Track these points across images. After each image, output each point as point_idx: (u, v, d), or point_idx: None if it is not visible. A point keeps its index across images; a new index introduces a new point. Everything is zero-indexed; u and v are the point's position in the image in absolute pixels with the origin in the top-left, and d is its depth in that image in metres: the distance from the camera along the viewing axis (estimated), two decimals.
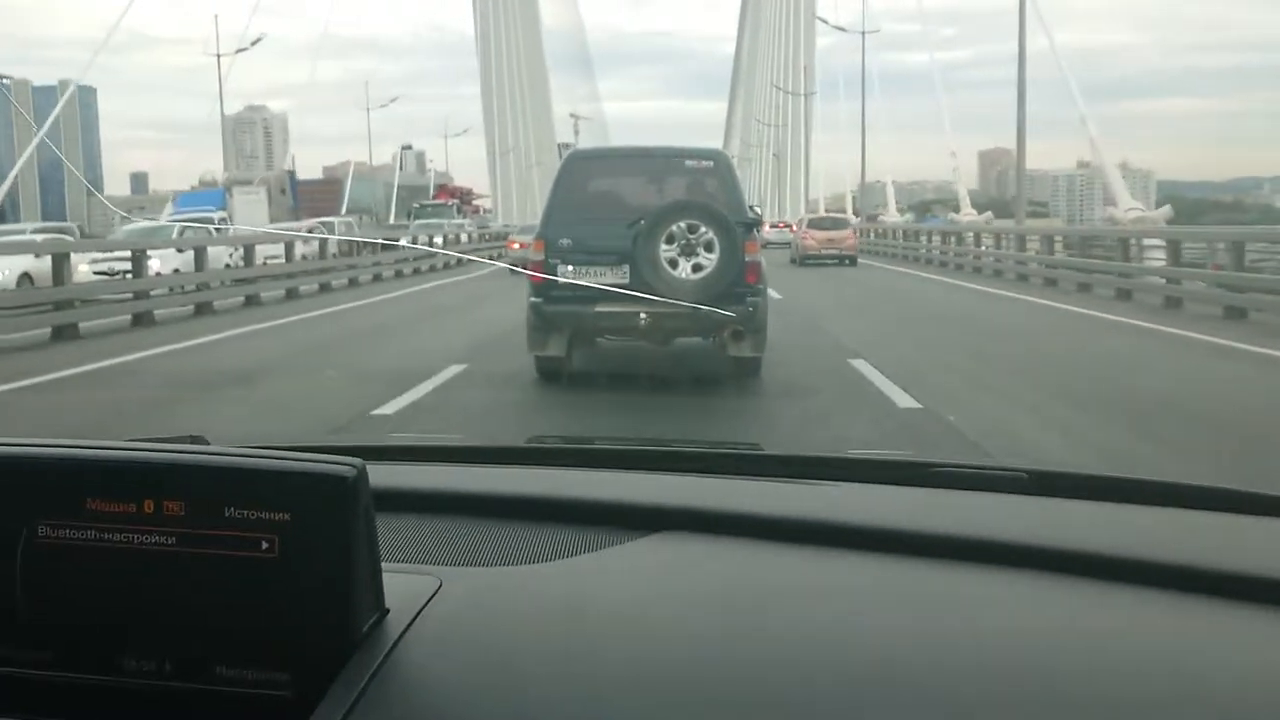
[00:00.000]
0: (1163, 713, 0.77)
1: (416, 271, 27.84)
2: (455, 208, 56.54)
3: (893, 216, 51.57)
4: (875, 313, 16.23)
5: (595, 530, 1.06)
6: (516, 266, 12.58)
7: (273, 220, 36.97)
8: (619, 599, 0.94)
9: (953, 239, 31.63)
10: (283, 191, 44.97)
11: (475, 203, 78.53)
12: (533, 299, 8.52)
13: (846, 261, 31.52)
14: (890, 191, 57.92)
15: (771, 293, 17.29)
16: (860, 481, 1.32)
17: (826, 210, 67.38)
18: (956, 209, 41.39)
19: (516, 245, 26.85)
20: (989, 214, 37.96)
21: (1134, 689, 0.79)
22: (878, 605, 0.93)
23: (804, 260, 31.44)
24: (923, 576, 0.98)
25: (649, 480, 1.32)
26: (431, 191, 72.97)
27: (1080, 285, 19.96)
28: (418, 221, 46.84)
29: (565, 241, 8.45)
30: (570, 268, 8.39)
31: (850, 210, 68.75)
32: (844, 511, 1.13)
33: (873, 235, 42.59)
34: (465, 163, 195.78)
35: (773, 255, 15.53)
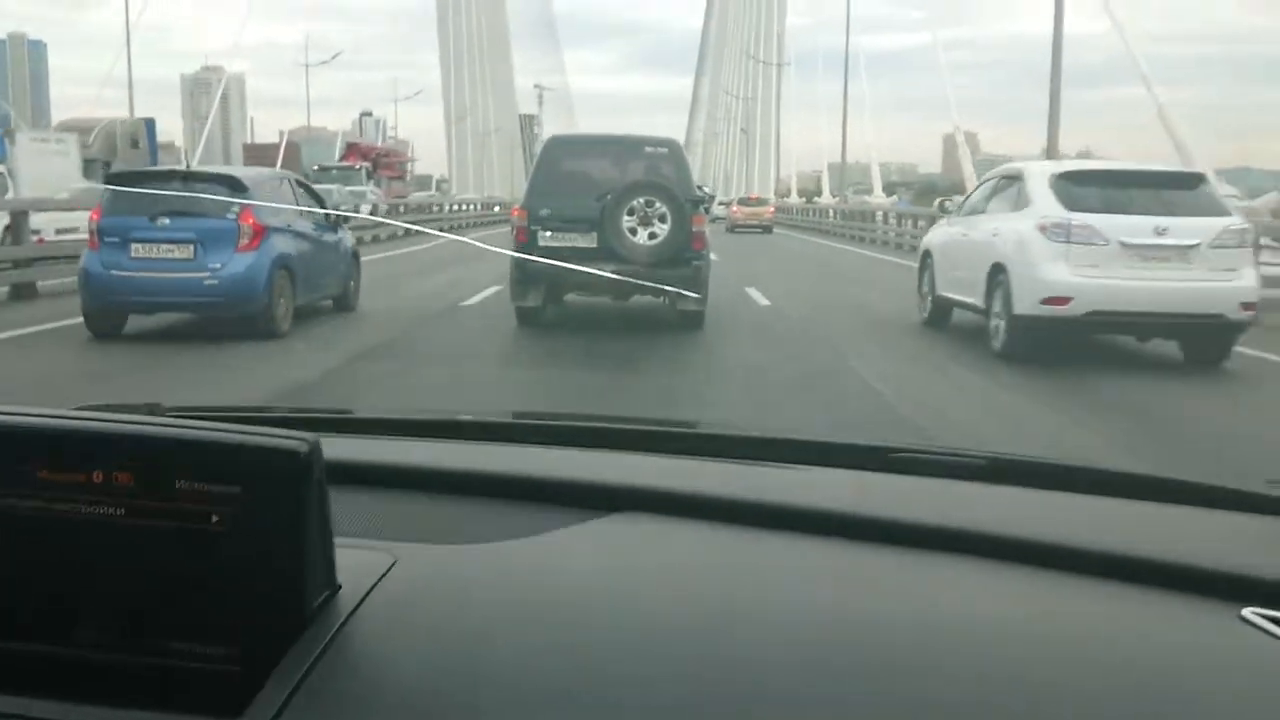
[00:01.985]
0: (1110, 702, 0.78)
1: None
2: (364, 172, 43.31)
3: (879, 198, 47.13)
4: None
5: (554, 510, 1.05)
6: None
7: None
8: (575, 578, 0.93)
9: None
10: (134, 145, 31.90)
11: (400, 168, 60.05)
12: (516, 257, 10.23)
13: (765, 230, 40.34)
14: (876, 172, 53.42)
15: (756, 295, 13.53)
16: (819, 465, 1.31)
17: (798, 190, 73.47)
18: (927, 192, 37.00)
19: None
20: None
21: (1079, 677, 0.79)
22: (834, 588, 0.94)
23: (734, 229, 39.49)
24: (878, 561, 0.99)
25: (609, 459, 1.30)
26: (338, 154, 55.30)
27: None
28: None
29: (544, 211, 10.09)
30: (548, 233, 10.02)
31: (827, 191, 64.64)
32: (802, 496, 1.12)
33: (838, 216, 38.53)
34: (424, 133, 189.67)
35: (713, 226, 14.77)
